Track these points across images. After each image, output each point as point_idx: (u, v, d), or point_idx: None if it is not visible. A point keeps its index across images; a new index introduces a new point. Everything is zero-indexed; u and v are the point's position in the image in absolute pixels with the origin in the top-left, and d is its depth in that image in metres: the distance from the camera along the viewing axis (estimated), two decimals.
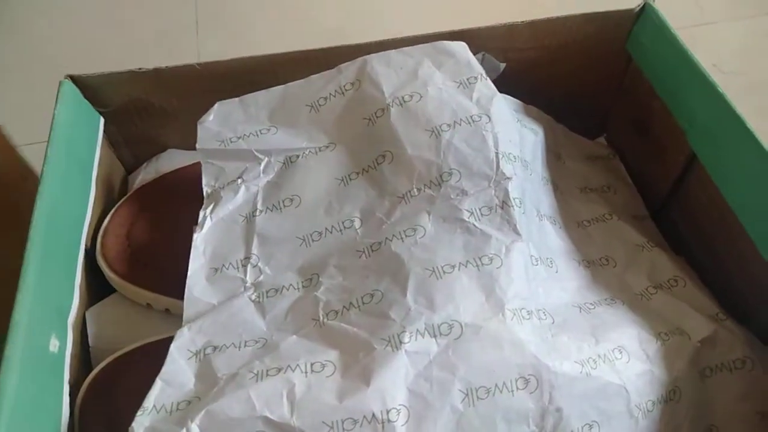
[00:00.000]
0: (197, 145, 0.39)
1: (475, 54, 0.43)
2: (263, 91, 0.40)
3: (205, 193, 0.39)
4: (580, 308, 0.35)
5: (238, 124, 0.40)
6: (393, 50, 0.39)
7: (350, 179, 0.38)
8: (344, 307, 0.33)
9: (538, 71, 0.45)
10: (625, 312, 0.35)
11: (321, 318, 0.33)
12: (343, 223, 0.36)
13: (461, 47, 0.40)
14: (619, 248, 0.40)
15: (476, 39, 0.41)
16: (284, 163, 0.39)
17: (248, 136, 0.39)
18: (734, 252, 0.39)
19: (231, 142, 0.39)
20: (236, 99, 0.40)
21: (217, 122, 0.40)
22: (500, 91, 0.44)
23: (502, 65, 0.44)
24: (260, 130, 0.39)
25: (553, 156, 0.43)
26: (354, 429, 0.28)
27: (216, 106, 0.40)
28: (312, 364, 0.30)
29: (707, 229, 0.41)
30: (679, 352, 0.33)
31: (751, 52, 0.69)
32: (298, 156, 0.39)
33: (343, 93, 0.39)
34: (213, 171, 0.39)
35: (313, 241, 0.36)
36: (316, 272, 0.35)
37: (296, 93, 0.40)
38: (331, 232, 0.36)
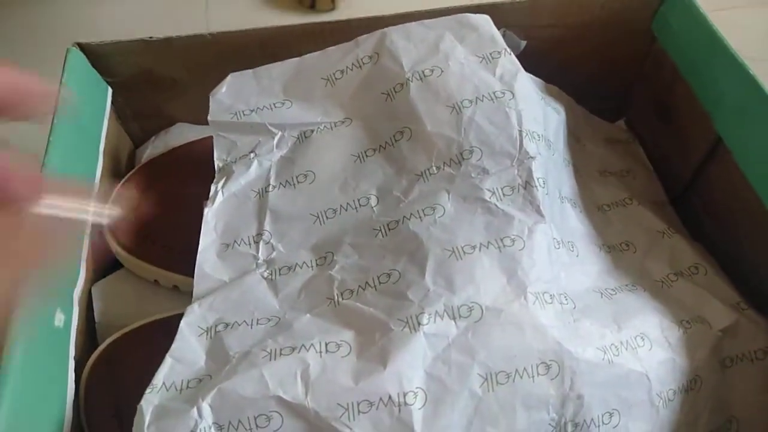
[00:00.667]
0: (209, 118, 0.38)
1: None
2: (278, 63, 0.39)
3: (216, 167, 0.38)
4: (602, 294, 0.34)
5: (251, 96, 0.38)
6: (413, 23, 0.38)
7: (366, 156, 0.36)
8: (360, 286, 0.32)
9: (559, 50, 0.44)
10: (646, 299, 0.34)
11: (336, 297, 0.32)
12: (358, 200, 0.35)
13: (485, 20, 0.38)
14: (639, 234, 0.39)
15: (498, 14, 0.40)
16: (298, 138, 0.38)
17: (262, 110, 0.38)
18: (758, 239, 0.38)
19: (244, 115, 0.38)
20: (250, 71, 0.39)
21: (230, 94, 0.39)
22: None
23: (523, 43, 0.43)
24: (274, 104, 0.38)
25: (573, 138, 0.42)
26: (370, 411, 0.27)
27: (229, 77, 0.39)
28: (327, 344, 0.29)
29: (730, 215, 0.40)
30: (701, 340, 0.32)
31: None
32: (312, 131, 0.37)
33: (360, 67, 0.38)
34: (225, 144, 0.38)
35: (327, 218, 0.35)
36: (330, 250, 0.34)
37: (312, 66, 0.39)
38: (346, 210, 0.35)
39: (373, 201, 0.35)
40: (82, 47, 0.40)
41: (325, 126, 0.37)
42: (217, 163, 0.38)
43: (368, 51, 0.38)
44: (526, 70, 0.42)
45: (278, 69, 0.39)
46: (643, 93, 0.48)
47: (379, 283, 0.32)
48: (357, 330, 0.30)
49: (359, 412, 0.27)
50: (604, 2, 0.42)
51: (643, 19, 0.44)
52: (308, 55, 0.39)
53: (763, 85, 0.35)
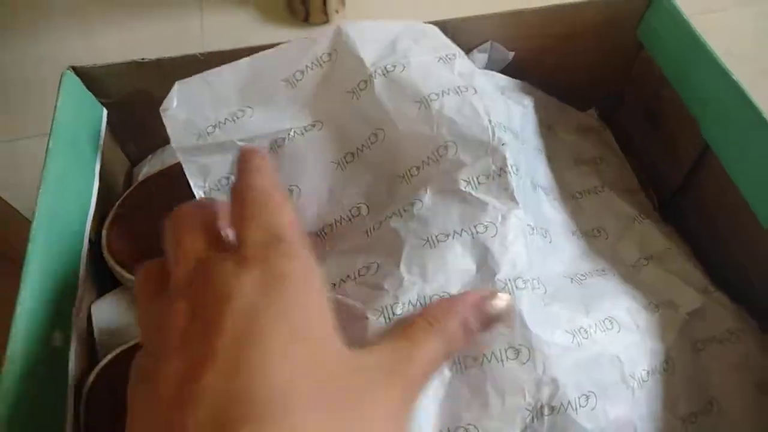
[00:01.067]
0: (172, 144, 0.35)
1: (482, 43, 0.43)
2: (227, 66, 0.37)
3: (197, 195, 0.35)
4: (572, 279, 0.34)
5: (206, 107, 0.36)
6: (367, 21, 0.37)
7: (347, 162, 0.36)
8: (341, 279, 0.32)
9: (546, 59, 0.45)
10: (616, 283, 0.35)
11: None
12: (350, 211, 0.35)
13: (433, 29, 0.38)
14: (610, 220, 0.39)
15: (483, 26, 0.40)
16: (271, 149, 0.36)
17: (224, 124, 0.36)
18: (747, 244, 0.38)
19: (207, 134, 0.35)
20: (197, 76, 0.37)
21: (183, 108, 0.36)
22: None
23: (511, 54, 0.43)
24: (234, 114, 0.36)
25: (545, 127, 0.42)
26: None
27: (176, 86, 0.36)
28: None
29: (719, 220, 0.41)
30: (669, 323, 0.33)
31: (763, 38, 0.68)
32: (284, 139, 0.36)
33: (321, 65, 0.36)
34: (197, 170, 0.36)
35: (325, 234, 0.35)
36: (322, 253, 0.34)
37: (267, 66, 0.37)
38: (340, 223, 0.35)
39: (364, 210, 0.35)
40: (77, 70, 0.40)
41: (295, 132, 0.36)
42: (196, 191, 0.35)
43: (326, 48, 0.37)
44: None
45: (229, 72, 0.37)
46: (633, 99, 0.49)
47: (359, 275, 0.32)
48: (338, 319, 0.30)
49: None
50: (588, 12, 0.43)
51: (628, 27, 0.45)
52: (259, 54, 0.37)
53: (747, 90, 0.36)
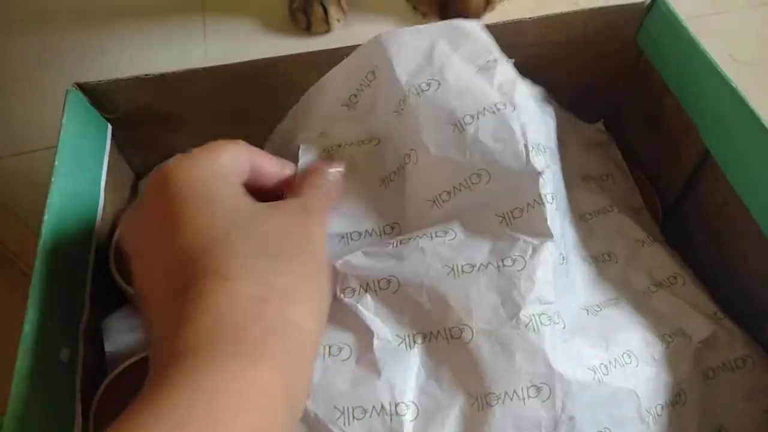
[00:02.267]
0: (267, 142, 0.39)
1: None
2: (316, 88, 0.39)
3: None
4: (588, 311, 0.34)
5: (299, 122, 0.39)
6: (406, 29, 0.37)
7: (390, 181, 0.36)
8: (361, 286, 0.32)
9: (546, 67, 0.45)
10: (630, 313, 0.34)
11: (337, 293, 0.32)
12: (384, 228, 0.35)
13: (476, 27, 0.37)
14: (620, 243, 0.39)
15: None
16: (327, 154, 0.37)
17: (299, 133, 0.39)
18: (747, 250, 0.38)
19: (287, 140, 0.39)
20: (303, 97, 0.39)
21: (288, 122, 0.40)
22: None
23: (511, 62, 0.43)
24: (309, 134, 0.38)
25: (559, 142, 0.41)
26: (363, 418, 0.28)
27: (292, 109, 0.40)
28: (330, 347, 0.30)
29: (720, 226, 0.41)
30: (683, 354, 0.33)
31: (766, 41, 0.68)
32: (339, 146, 0.37)
33: (369, 85, 0.37)
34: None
35: (351, 240, 0.35)
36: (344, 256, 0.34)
37: (330, 90, 0.38)
38: (371, 235, 0.35)
39: (397, 230, 0.35)
40: (81, 86, 0.41)
41: (352, 143, 0.37)
42: None
43: (370, 66, 0.37)
44: None
45: (317, 93, 0.39)
46: (633, 105, 0.49)
47: (379, 288, 0.32)
48: (357, 333, 0.31)
49: (354, 418, 0.28)
50: (588, 19, 0.43)
51: (628, 33, 0.45)
52: (328, 75, 0.38)
53: (745, 97, 0.36)
